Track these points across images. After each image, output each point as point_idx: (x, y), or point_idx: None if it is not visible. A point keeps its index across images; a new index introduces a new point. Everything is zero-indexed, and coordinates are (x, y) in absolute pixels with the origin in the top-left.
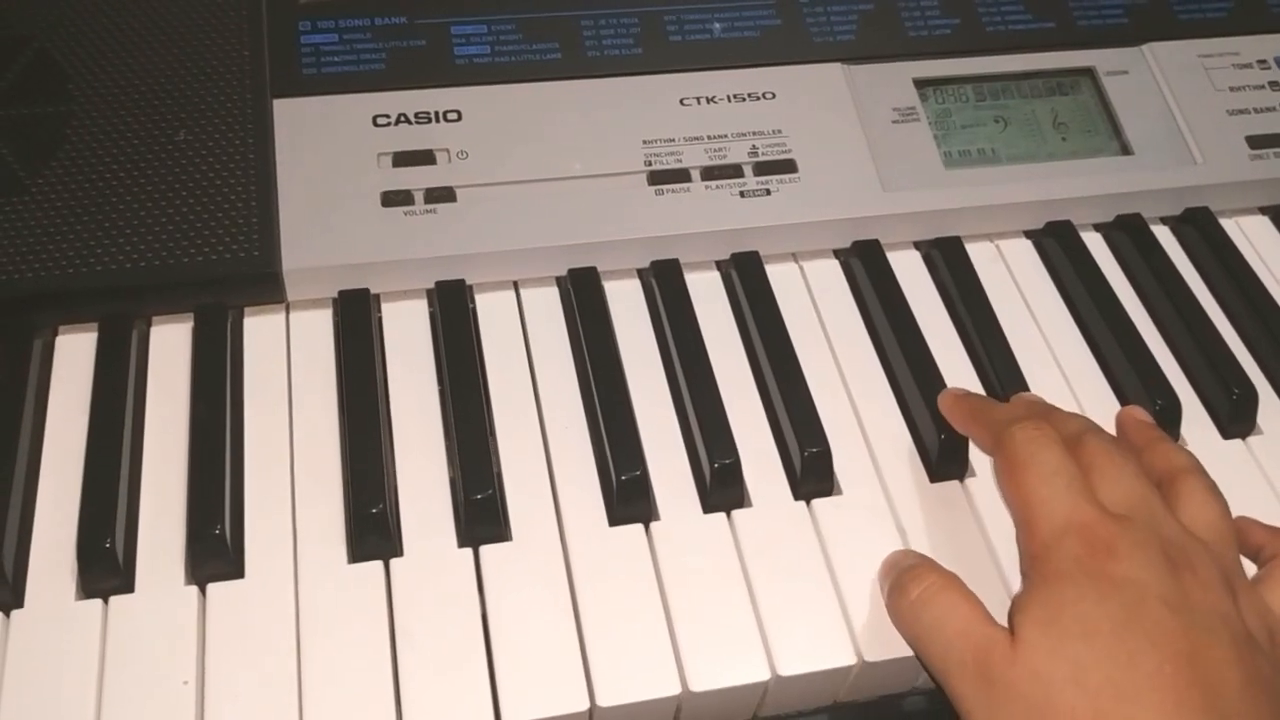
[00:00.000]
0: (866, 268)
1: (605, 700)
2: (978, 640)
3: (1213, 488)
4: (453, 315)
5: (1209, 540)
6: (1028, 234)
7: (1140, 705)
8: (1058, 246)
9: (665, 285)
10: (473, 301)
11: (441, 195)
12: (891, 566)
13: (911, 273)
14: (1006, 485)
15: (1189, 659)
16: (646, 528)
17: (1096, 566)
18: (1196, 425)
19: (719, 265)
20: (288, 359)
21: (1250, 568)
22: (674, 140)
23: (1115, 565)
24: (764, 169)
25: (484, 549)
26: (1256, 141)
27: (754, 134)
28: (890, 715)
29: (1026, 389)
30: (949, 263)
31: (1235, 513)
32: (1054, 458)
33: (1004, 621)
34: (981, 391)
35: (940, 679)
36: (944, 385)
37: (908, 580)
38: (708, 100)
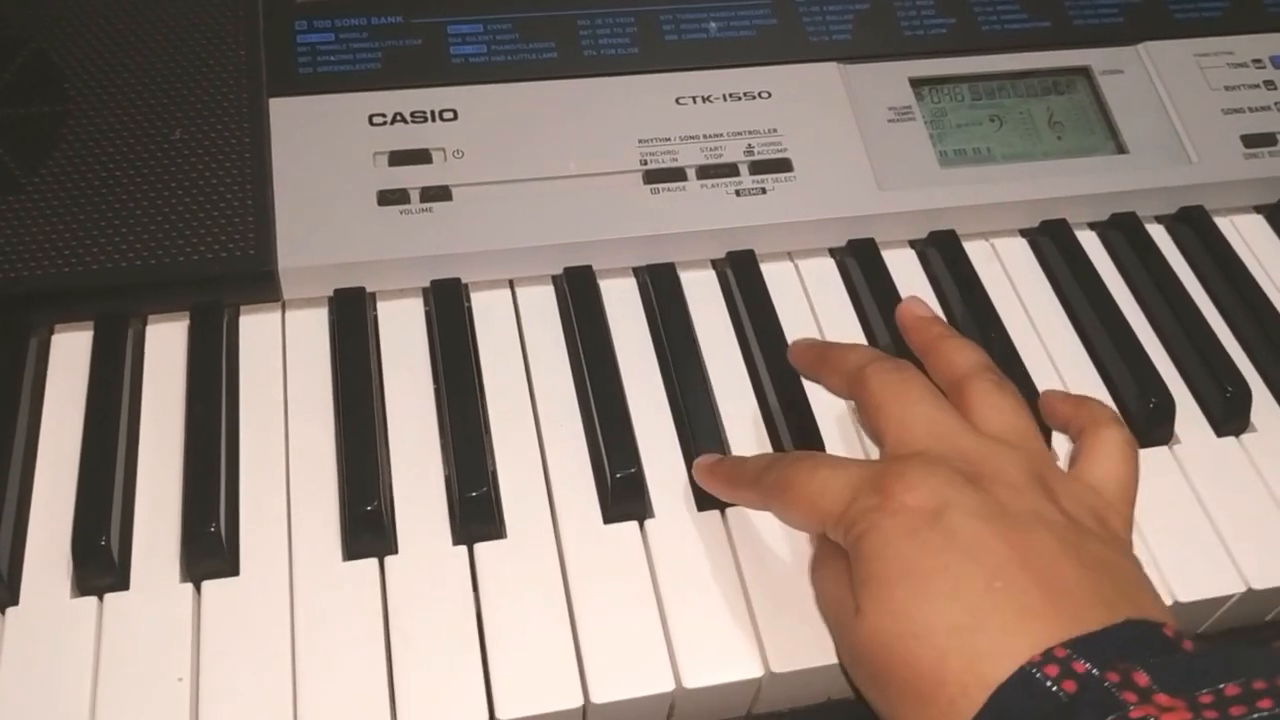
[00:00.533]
0: (862, 266)
1: (599, 697)
2: (834, 611)
3: (1001, 385)
4: (448, 313)
5: (1011, 441)
6: (1023, 233)
7: (977, 630)
8: (1053, 245)
9: (661, 284)
10: (468, 300)
11: (437, 194)
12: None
13: (907, 271)
14: (782, 512)
15: (1018, 564)
16: (641, 525)
17: (894, 505)
18: (1190, 423)
19: (714, 264)
20: (283, 357)
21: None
22: (670, 139)
23: (911, 496)
24: (760, 168)
25: (479, 547)
26: (1251, 140)
27: (750, 133)
28: None
29: (1027, 383)
30: (945, 255)
31: (1226, 510)
32: (817, 460)
33: None
34: None
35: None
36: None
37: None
38: (704, 99)
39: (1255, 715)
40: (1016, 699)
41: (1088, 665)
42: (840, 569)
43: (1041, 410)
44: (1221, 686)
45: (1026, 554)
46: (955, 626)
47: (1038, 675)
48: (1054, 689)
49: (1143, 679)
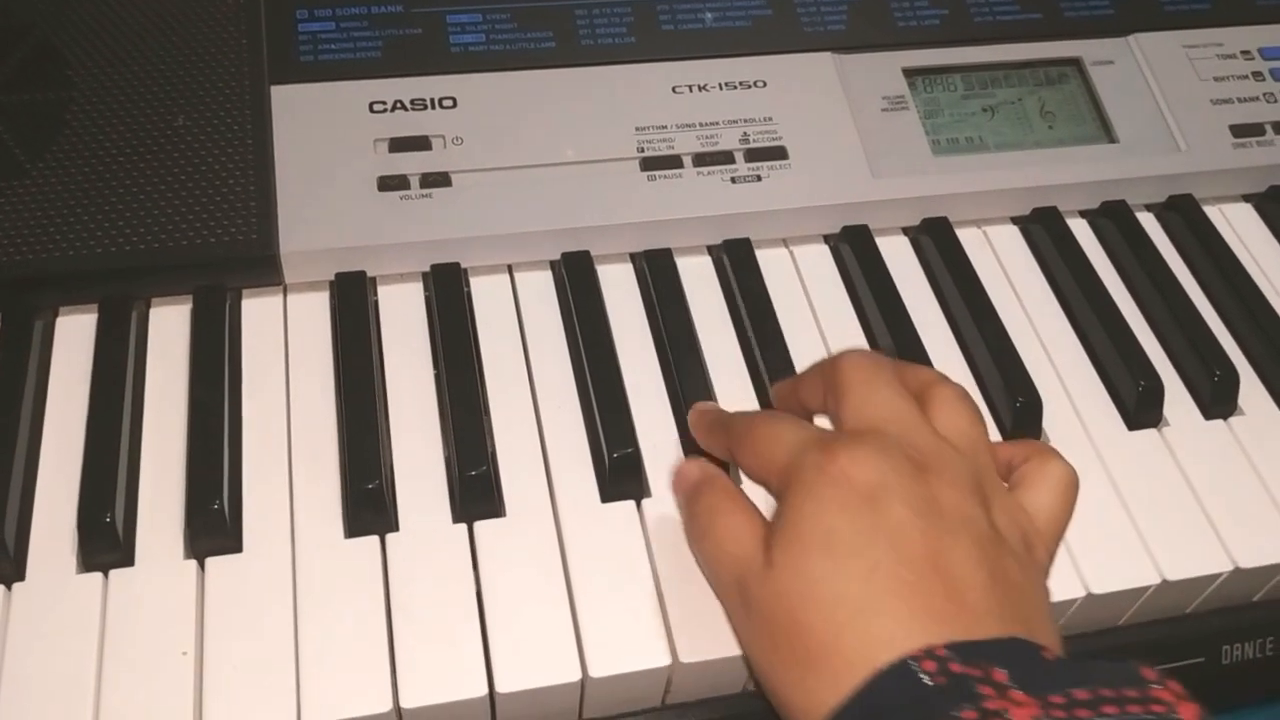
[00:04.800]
0: (856, 252)
1: (598, 671)
2: (742, 558)
3: (964, 396)
4: (448, 297)
5: (962, 446)
6: (1015, 220)
7: (877, 614)
8: (1044, 232)
9: (657, 269)
10: (468, 285)
11: (437, 180)
12: (681, 480)
13: (900, 258)
14: (743, 455)
15: (930, 561)
16: (638, 504)
17: (838, 471)
18: (1179, 406)
19: (710, 250)
20: (285, 340)
21: None
22: (666, 127)
23: (857, 470)
24: (755, 155)
25: (478, 524)
26: (1239, 130)
27: (745, 121)
28: None
29: (1019, 368)
30: (938, 241)
31: (1214, 491)
32: (785, 417)
33: None
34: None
35: (719, 599)
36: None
37: (693, 500)
38: (700, 88)
39: (1098, 718)
40: (890, 685)
41: (962, 667)
42: (747, 527)
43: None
44: (1072, 691)
45: (944, 555)
46: (859, 608)
47: (914, 667)
48: (925, 680)
49: (1001, 676)
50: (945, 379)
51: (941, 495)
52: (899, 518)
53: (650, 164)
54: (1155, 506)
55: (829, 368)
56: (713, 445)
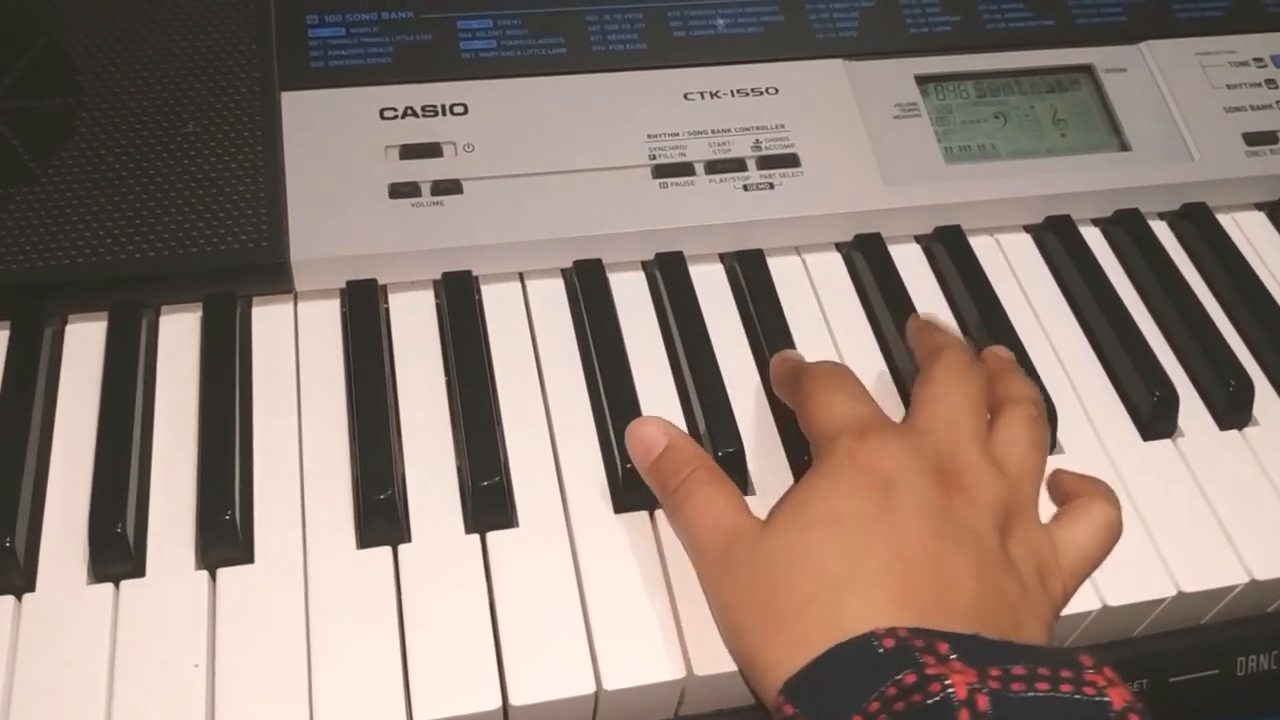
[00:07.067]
0: (868, 260)
1: (611, 683)
2: (729, 527)
3: (1035, 420)
4: (460, 305)
5: (1011, 472)
6: (1027, 229)
7: (856, 594)
8: (1057, 241)
9: (669, 277)
10: (479, 293)
11: (448, 187)
12: (645, 447)
13: (913, 266)
14: (800, 413)
15: (925, 560)
16: (651, 515)
17: (865, 459)
18: (1193, 416)
19: (722, 258)
20: (296, 348)
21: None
22: (678, 134)
23: (883, 462)
24: (767, 163)
25: (491, 535)
26: (1252, 139)
27: (757, 128)
28: None
29: (1033, 377)
30: (951, 250)
31: (1229, 502)
32: (845, 383)
33: None
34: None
35: (696, 569)
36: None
37: (667, 469)
38: (711, 95)
39: (1029, 693)
40: (849, 652)
41: (921, 643)
42: (728, 497)
43: (1047, 484)
44: (1010, 667)
45: (941, 558)
46: (842, 582)
47: (875, 641)
48: (880, 651)
49: (944, 648)
50: (1028, 400)
51: (955, 508)
52: (905, 514)
53: (662, 171)
54: (1170, 518)
55: (930, 352)
56: (784, 395)
